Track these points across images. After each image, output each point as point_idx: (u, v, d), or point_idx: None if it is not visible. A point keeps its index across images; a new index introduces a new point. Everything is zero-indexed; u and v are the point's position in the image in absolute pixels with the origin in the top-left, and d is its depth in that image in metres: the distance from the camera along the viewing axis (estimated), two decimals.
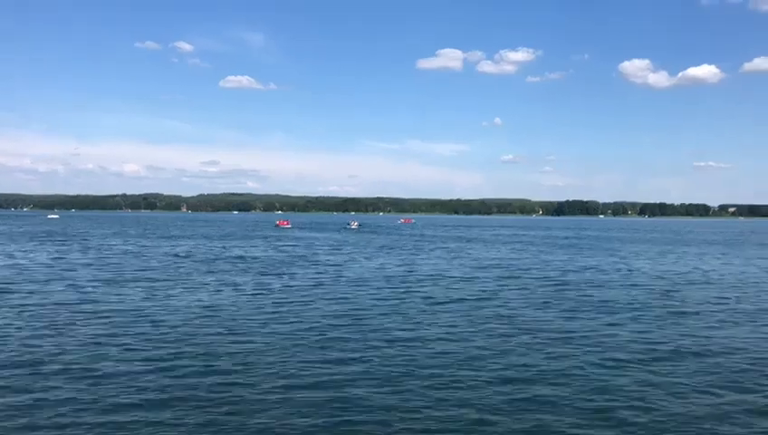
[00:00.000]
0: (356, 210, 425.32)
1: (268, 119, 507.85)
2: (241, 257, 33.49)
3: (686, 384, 10.39)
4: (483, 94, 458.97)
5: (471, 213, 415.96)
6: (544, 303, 18.83)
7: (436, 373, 10.76)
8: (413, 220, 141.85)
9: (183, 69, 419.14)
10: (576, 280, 25.41)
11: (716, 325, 15.77)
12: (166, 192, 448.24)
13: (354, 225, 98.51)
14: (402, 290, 21.24)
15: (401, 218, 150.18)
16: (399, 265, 30.79)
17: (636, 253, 44.16)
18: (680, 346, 13.15)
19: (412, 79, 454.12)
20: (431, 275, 25.69)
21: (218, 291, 20.44)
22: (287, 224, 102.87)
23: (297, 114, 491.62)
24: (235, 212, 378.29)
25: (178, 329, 14.13)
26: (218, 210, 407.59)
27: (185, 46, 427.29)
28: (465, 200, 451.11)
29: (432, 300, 18.85)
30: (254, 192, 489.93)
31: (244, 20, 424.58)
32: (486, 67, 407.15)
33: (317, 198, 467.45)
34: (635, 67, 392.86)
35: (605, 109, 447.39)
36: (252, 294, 19.89)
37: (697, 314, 17.41)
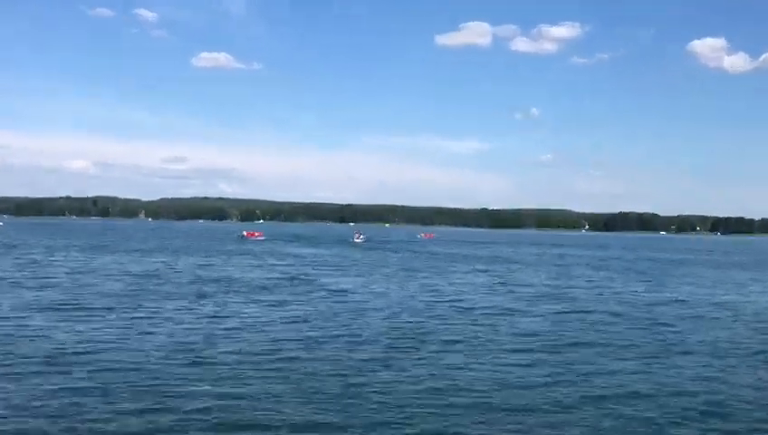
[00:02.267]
0: (356, 220, 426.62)
1: (250, 107, 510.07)
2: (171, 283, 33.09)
3: None
4: (516, 79, 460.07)
5: (500, 226, 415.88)
6: (637, 348, 18.43)
7: None
8: (434, 235, 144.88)
9: (144, 42, 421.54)
10: (663, 316, 25.27)
11: None
12: (121, 195, 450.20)
13: (359, 238, 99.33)
14: (451, 325, 21.22)
15: (421, 232, 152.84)
16: (432, 293, 30.81)
17: (723, 281, 44.18)
18: None
19: (428, 59, 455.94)
20: (487, 309, 25.42)
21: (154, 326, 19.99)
22: (259, 236, 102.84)
23: (285, 101, 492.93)
24: (201, 221, 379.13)
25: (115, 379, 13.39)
26: (185, 218, 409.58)
27: (146, 14, 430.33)
28: (493, 210, 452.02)
29: (496, 342, 18.53)
30: (229, 196, 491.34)
31: None
32: (521, 45, 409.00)
33: (308, 204, 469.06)
34: (707, 47, 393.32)
35: (669, 98, 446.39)
36: (228, 330, 19.46)
37: None
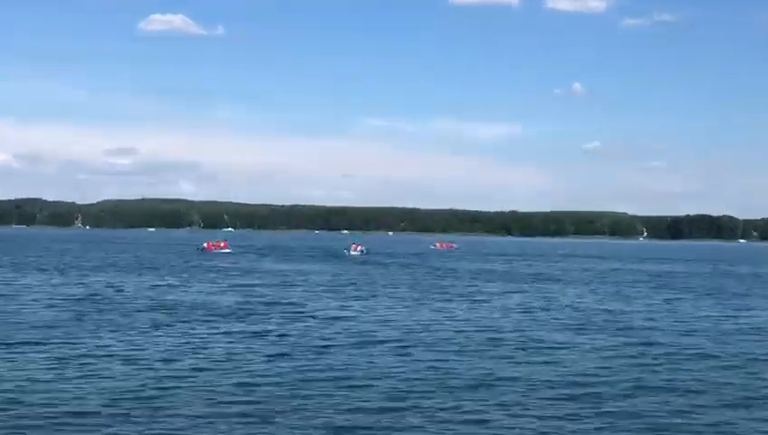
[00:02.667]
0: (352, 227, 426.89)
1: (214, 83, 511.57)
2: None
3: None
4: (553, 46, 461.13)
5: (532, 234, 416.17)
6: (720, 394, 18.28)
7: None
8: (455, 245, 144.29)
9: (81, 2, 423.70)
10: (759, 350, 25.24)
11: None
12: (51, 197, 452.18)
13: (356, 249, 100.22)
14: (478, 365, 21.09)
15: (436, 242, 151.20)
16: (454, 322, 30.94)
17: None
18: None
19: (441, 21, 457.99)
20: (524, 343, 25.49)
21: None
22: (224, 247, 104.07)
23: (260, 76, 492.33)
24: (152, 229, 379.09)
25: None
26: (133, 226, 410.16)
27: None
28: (524, 214, 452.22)
29: (537, 387, 18.52)
30: (190, 198, 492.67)
31: None
32: (559, 3, 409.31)
33: (291, 208, 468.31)
34: None
35: (750, 71, 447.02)
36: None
37: None
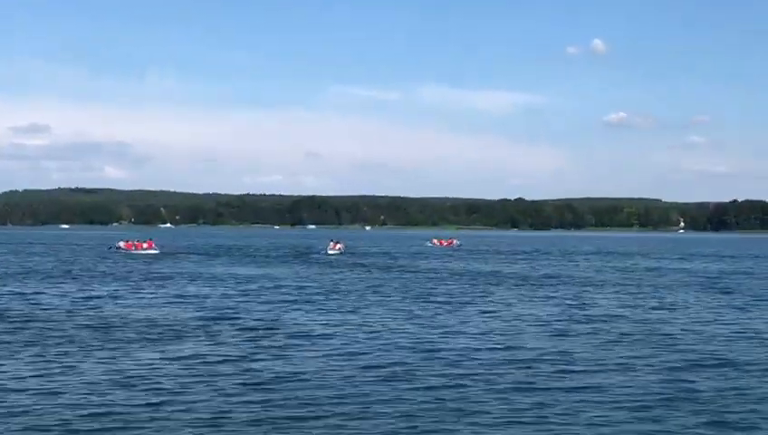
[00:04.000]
0: (321, 221, 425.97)
1: (146, 43, 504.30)
2: None
3: None
4: None
5: (544, 226, 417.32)
6: None
7: None
8: (455, 241, 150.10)
9: None
10: None
11: None
12: None
13: (336, 247, 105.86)
14: (504, 394, 20.89)
15: (433, 238, 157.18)
16: (466, 337, 30.99)
17: None
18: None
19: None
20: (556, 362, 25.44)
21: None
22: (148, 247, 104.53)
23: (203, 33, 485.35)
24: (65, 226, 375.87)
25: None
26: (47, 222, 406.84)
27: None
28: (533, 202, 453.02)
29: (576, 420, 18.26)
30: (118, 187, 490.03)
31: None
32: None
33: (242, 197, 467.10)
34: None
35: None
36: None
37: None
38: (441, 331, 32.38)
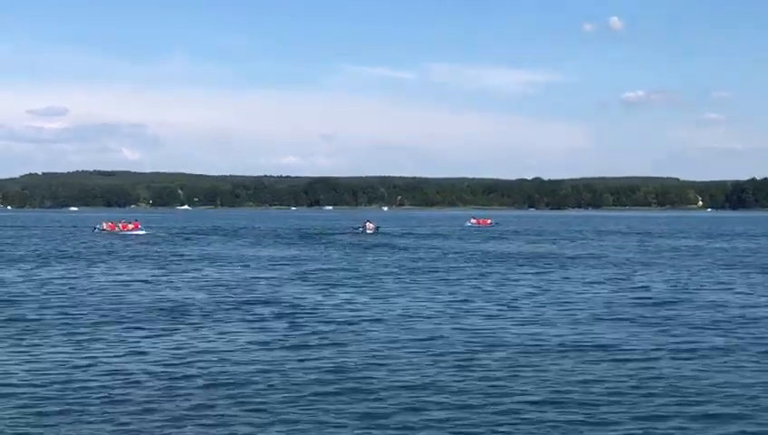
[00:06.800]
0: (336, 202, 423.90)
1: (162, 26, 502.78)
2: None
3: None
4: None
5: (561, 205, 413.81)
6: None
7: None
8: (490, 221, 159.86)
9: None
10: None
11: None
12: None
13: (370, 227, 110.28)
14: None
15: (471, 218, 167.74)
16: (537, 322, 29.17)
17: None
18: None
19: None
20: (625, 350, 23.98)
21: None
22: (133, 228, 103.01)
23: (217, 16, 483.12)
24: (74, 209, 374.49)
25: None
26: (65, 204, 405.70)
27: None
28: (550, 181, 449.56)
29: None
30: (136, 169, 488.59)
31: None
32: None
33: (258, 179, 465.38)
34: None
35: None
36: None
37: None
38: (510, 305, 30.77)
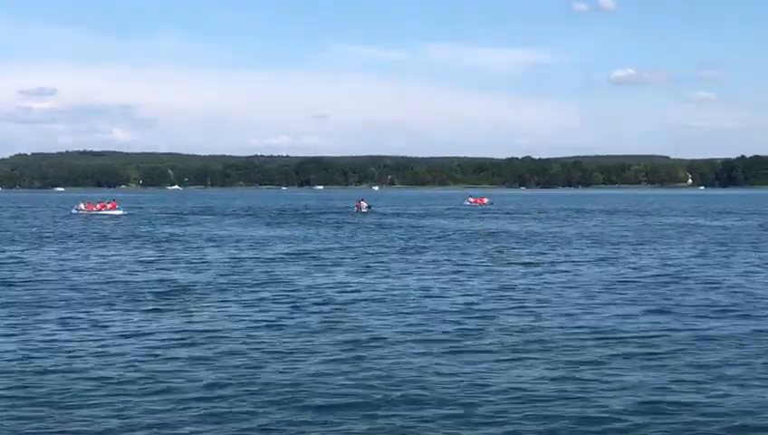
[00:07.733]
0: (327, 181, 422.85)
1: (151, 4, 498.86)
2: None
3: None
4: None
5: (552, 184, 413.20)
6: None
7: None
8: (486, 200, 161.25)
9: None
10: None
11: None
12: None
13: (364, 207, 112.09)
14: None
15: (469, 197, 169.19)
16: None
17: None
18: None
19: None
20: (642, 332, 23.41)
21: None
22: (111, 208, 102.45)
23: None
24: (60, 189, 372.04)
25: None
26: (56, 185, 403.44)
27: None
28: (540, 160, 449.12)
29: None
30: (125, 150, 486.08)
31: None
32: None
33: (249, 159, 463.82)
34: None
35: None
36: None
37: None
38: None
